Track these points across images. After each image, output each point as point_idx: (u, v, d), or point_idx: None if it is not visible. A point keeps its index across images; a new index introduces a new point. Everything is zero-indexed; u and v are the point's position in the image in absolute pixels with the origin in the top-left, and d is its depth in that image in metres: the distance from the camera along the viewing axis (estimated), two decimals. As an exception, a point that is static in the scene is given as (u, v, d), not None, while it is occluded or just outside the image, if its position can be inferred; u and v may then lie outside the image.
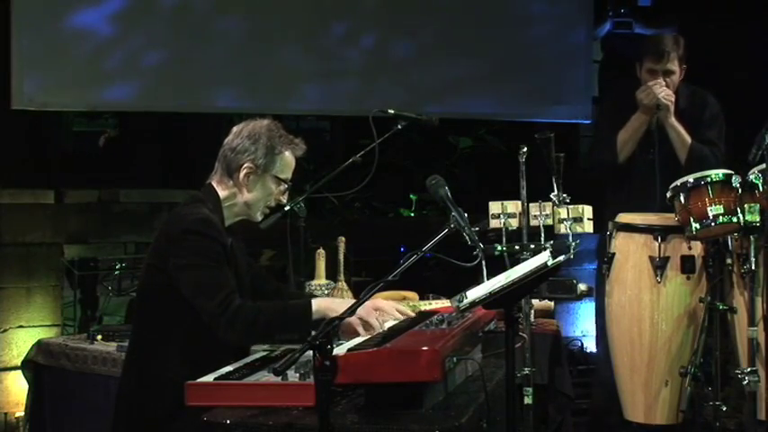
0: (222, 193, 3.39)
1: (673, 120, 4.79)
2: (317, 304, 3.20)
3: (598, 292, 4.89)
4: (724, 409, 4.26)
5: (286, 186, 3.45)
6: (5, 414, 5.47)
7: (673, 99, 4.77)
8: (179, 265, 3.21)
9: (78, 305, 5.41)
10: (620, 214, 4.57)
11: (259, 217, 3.47)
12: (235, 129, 3.44)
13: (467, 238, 3.13)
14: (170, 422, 3.16)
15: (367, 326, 3.23)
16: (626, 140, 4.87)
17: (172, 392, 2.98)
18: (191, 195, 3.43)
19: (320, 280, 4.51)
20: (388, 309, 3.39)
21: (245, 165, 3.36)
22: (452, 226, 3.10)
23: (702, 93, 4.99)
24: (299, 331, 3.16)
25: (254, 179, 3.38)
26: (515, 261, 4.00)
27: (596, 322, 5.18)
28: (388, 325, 3.32)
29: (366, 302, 3.02)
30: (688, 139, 4.80)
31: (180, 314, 3.22)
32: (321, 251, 4.56)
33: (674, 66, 4.83)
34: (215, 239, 3.24)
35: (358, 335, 3.20)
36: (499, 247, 4.19)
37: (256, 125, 3.41)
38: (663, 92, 4.75)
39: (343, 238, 4.62)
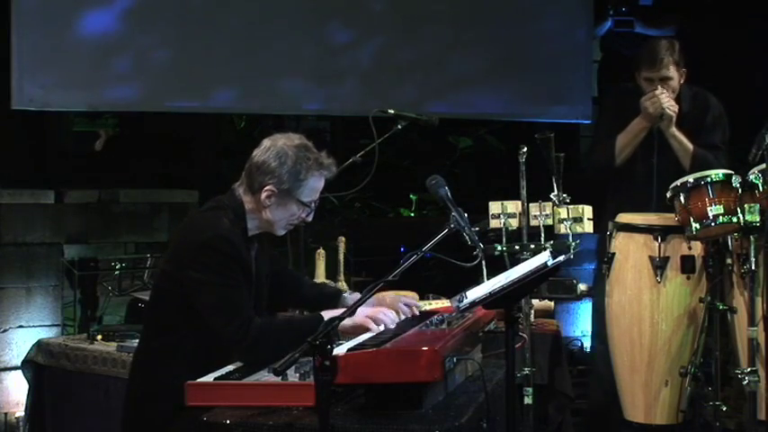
0: (247, 205, 3.30)
1: (674, 129, 4.71)
2: (327, 316, 3.18)
3: (596, 292, 4.88)
4: (724, 409, 4.27)
5: (311, 209, 3.34)
6: (5, 414, 5.46)
7: (676, 109, 4.70)
8: (196, 280, 3.17)
9: (78, 305, 5.39)
10: (620, 214, 4.56)
11: (281, 233, 3.38)
12: (265, 142, 3.31)
13: (467, 238, 3.13)
14: (171, 422, 3.16)
15: (377, 321, 3.24)
16: (625, 145, 4.82)
17: (178, 395, 2.96)
18: (214, 199, 3.37)
19: (320, 280, 4.50)
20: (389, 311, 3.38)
21: (268, 187, 3.25)
22: (452, 226, 3.10)
23: (705, 95, 4.91)
24: None
25: (275, 201, 3.27)
26: (515, 261, 4.00)
27: (593, 321, 5.17)
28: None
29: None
30: (690, 146, 4.73)
31: (190, 320, 3.21)
32: (321, 251, 4.56)
33: (670, 71, 4.75)
34: (233, 257, 3.19)
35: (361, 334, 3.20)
36: (499, 247, 4.19)
37: (286, 144, 3.27)
38: (668, 102, 4.70)
39: (344, 238, 4.62)
